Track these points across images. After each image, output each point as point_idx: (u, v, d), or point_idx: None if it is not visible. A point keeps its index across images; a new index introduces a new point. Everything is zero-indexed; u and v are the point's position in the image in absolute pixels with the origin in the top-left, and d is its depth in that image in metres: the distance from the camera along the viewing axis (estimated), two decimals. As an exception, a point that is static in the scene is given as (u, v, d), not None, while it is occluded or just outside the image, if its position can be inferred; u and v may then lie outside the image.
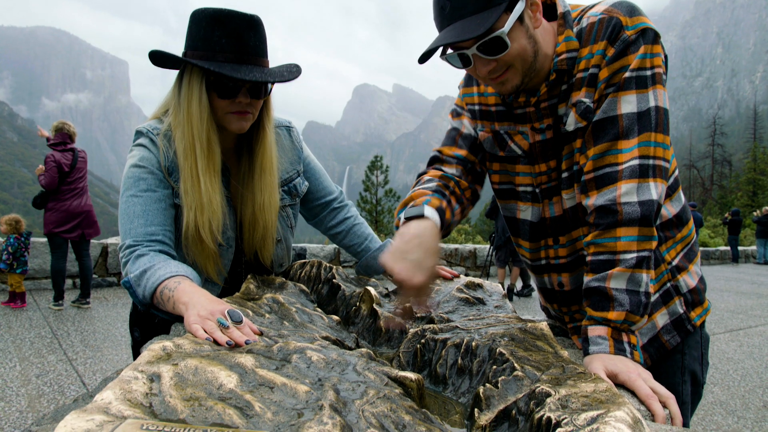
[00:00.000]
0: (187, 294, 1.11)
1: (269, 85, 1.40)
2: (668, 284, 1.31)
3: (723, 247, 19.89)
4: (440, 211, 1.25)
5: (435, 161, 1.48)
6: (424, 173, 1.46)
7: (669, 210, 1.31)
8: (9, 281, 6.13)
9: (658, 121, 1.13)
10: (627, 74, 1.12)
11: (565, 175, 1.27)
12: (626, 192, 1.10)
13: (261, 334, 0.99)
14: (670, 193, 1.31)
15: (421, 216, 1.20)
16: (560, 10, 1.24)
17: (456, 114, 1.48)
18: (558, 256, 1.37)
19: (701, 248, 18.78)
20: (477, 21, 1.08)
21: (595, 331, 1.10)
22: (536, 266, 1.45)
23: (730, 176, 61.23)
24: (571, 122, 1.21)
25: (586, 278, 1.14)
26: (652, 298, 1.13)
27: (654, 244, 1.12)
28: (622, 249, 1.10)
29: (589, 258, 1.15)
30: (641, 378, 0.98)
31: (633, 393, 0.97)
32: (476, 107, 1.42)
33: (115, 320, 5.84)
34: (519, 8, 1.11)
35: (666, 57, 1.18)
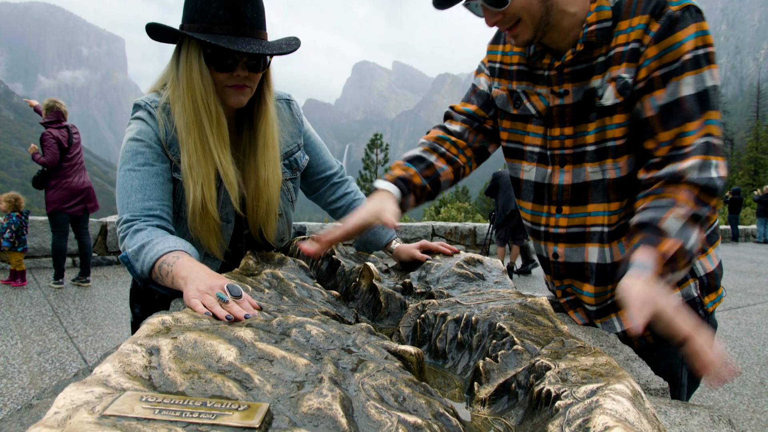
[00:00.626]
0: (186, 268, 1.10)
1: (268, 58, 1.37)
2: None
3: (723, 226, 19.93)
4: (401, 180, 1.39)
5: (446, 117, 1.57)
6: (427, 132, 1.56)
7: None
8: (10, 259, 6.15)
9: (714, 100, 1.12)
10: (686, 56, 1.10)
11: (591, 148, 1.26)
12: (690, 166, 1.08)
13: (260, 309, 0.98)
14: None
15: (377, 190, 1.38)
16: None
17: (478, 71, 1.53)
18: (558, 225, 1.37)
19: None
20: None
21: (640, 256, 1.02)
22: (535, 231, 1.45)
23: (732, 155, 61.04)
24: (609, 96, 1.20)
25: (637, 218, 1.09)
26: (695, 260, 1.11)
27: (713, 217, 1.12)
28: (681, 200, 1.07)
29: (644, 205, 1.11)
30: (683, 314, 0.91)
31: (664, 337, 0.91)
32: (497, 65, 1.45)
33: (116, 298, 5.88)
34: None
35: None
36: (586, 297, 1.37)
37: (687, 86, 1.11)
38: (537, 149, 1.37)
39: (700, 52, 1.11)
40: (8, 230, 6.00)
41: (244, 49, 1.24)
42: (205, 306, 0.95)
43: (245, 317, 0.92)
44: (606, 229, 1.29)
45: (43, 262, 7.42)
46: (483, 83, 1.49)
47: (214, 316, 0.92)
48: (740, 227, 19.59)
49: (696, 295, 1.30)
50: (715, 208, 1.09)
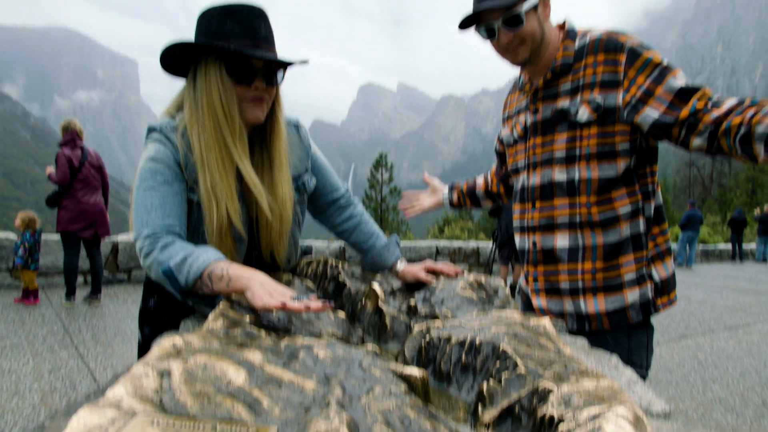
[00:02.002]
0: (247, 271, 1.14)
1: (282, 72, 1.42)
2: (644, 270, 1.60)
3: (722, 245, 19.83)
4: (452, 187, 2.29)
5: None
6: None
7: (650, 207, 1.60)
8: (23, 278, 6.18)
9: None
10: (663, 63, 1.43)
11: (561, 154, 1.59)
12: (729, 103, 1.33)
13: (332, 307, 1.06)
14: (652, 193, 1.61)
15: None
16: (567, 26, 1.64)
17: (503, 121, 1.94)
18: (533, 218, 1.70)
19: (701, 246, 18.72)
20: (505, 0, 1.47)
21: None
22: (520, 227, 1.78)
23: (730, 174, 61.06)
24: (584, 115, 1.53)
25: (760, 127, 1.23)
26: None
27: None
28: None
29: (754, 109, 1.25)
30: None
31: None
32: (506, 113, 1.89)
33: (125, 316, 5.90)
34: (534, 1, 1.50)
35: None
36: (561, 276, 1.65)
37: (681, 79, 1.42)
38: (522, 161, 1.74)
39: (666, 62, 1.44)
40: (22, 248, 6.04)
41: (265, 57, 1.30)
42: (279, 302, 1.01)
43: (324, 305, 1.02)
44: (578, 219, 1.59)
45: (55, 280, 7.44)
46: (502, 132, 1.90)
47: (285, 308, 1.00)
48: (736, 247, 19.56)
49: (651, 296, 1.60)
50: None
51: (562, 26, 1.65)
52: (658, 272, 1.62)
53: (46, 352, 4.46)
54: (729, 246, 19.27)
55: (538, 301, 1.73)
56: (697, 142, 1.37)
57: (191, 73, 1.39)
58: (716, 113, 1.32)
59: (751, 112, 1.24)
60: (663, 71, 1.42)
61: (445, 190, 2.28)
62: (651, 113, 1.43)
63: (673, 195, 59.83)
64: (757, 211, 19.06)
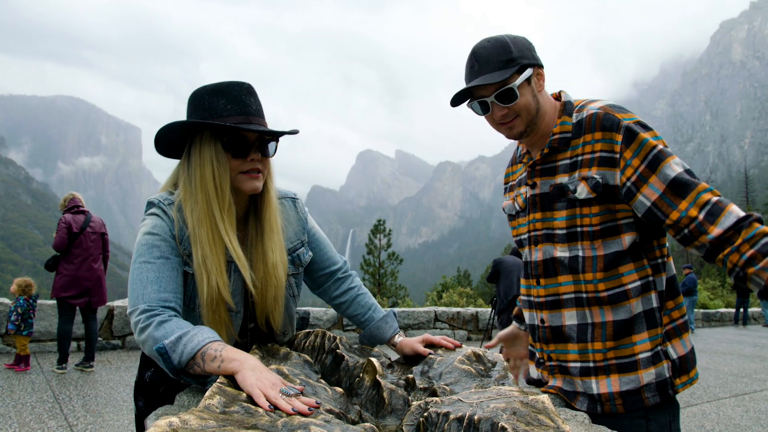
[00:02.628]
0: (240, 354, 1.17)
1: (276, 144, 1.49)
2: (659, 347, 1.49)
3: (723, 309, 19.65)
4: (520, 316, 1.95)
5: None
6: None
7: (662, 281, 1.53)
8: (16, 343, 6.09)
9: (694, 173, 1.41)
10: (659, 148, 1.40)
11: (561, 231, 1.54)
12: (735, 210, 1.32)
13: (318, 406, 1.05)
14: (662, 266, 1.54)
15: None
16: (563, 99, 1.62)
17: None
18: (538, 296, 1.63)
19: (701, 310, 18.54)
20: (497, 75, 1.46)
21: None
22: (525, 301, 1.72)
23: (728, 238, 61.22)
24: (582, 192, 1.48)
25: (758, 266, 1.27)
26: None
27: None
28: None
29: (751, 252, 1.27)
30: None
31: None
32: (508, 184, 1.85)
33: (118, 384, 5.75)
34: (527, 73, 1.49)
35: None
36: (571, 355, 1.55)
37: (677, 166, 1.39)
38: (524, 235, 1.68)
39: (663, 147, 1.41)
40: (14, 313, 5.99)
41: (260, 129, 1.38)
42: (269, 400, 1.02)
43: (309, 409, 1.01)
44: (584, 296, 1.52)
45: (48, 346, 7.31)
46: (504, 203, 1.85)
47: (276, 408, 1.01)
48: (741, 310, 19.36)
49: (668, 375, 1.48)
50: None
51: (557, 97, 1.63)
52: (675, 349, 1.52)
53: (34, 422, 4.32)
54: (730, 310, 19.09)
55: (554, 381, 1.62)
56: (693, 251, 1.40)
57: (186, 152, 1.47)
58: (713, 234, 1.32)
59: (747, 252, 1.27)
60: (658, 156, 1.38)
61: (518, 329, 1.95)
62: (644, 201, 1.40)
63: (672, 259, 59.68)
64: None
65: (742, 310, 18.37)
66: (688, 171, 1.39)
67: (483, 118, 1.60)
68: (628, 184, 1.41)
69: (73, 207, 6.25)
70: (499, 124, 1.56)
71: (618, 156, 1.43)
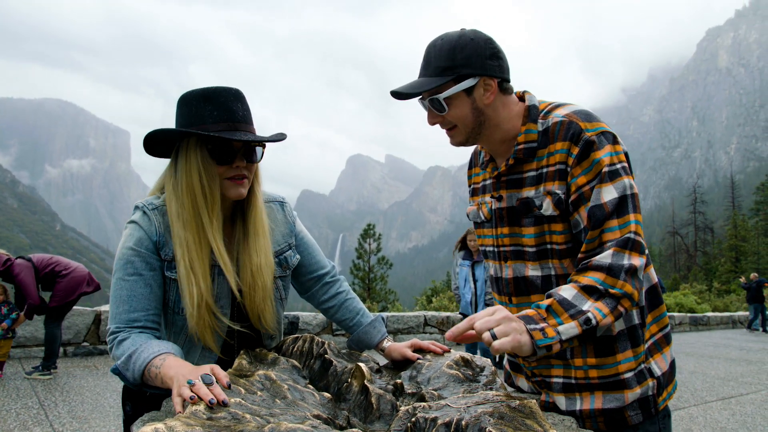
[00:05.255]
0: (172, 368, 1.20)
1: (261, 150, 1.50)
2: (642, 365, 1.42)
3: (710, 313, 19.86)
4: None
5: None
6: None
7: (642, 294, 1.41)
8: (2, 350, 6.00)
9: (634, 203, 1.32)
10: (605, 169, 1.31)
11: (532, 249, 1.45)
12: (604, 256, 1.28)
13: (225, 404, 1.05)
14: (644, 277, 1.44)
15: None
16: (527, 103, 1.48)
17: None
18: (513, 314, 1.51)
19: (688, 314, 18.71)
20: (427, 82, 1.36)
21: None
22: None
23: (713, 243, 62.35)
24: (548, 208, 1.39)
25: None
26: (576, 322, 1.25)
27: (626, 305, 1.28)
28: (581, 280, 1.28)
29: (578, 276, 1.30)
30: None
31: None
32: (471, 186, 1.74)
33: (105, 390, 5.68)
34: (467, 83, 1.36)
35: (626, 153, 1.38)
36: (554, 370, 1.47)
37: (608, 193, 1.30)
38: (491, 248, 1.59)
39: (617, 166, 1.32)
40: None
41: (243, 138, 1.38)
42: (180, 395, 1.08)
43: (210, 402, 1.03)
44: None
45: (33, 351, 7.21)
46: (468, 208, 1.74)
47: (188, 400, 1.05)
48: (727, 314, 19.61)
49: (651, 394, 1.41)
50: (626, 292, 1.25)
51: (521, 96, 1.50)
52: (659, 365, 1.45)
53: (19, 428, 4.25)
54: (717, 314, 19.25)
55: (546, 397, 1.53)
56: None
57: (173, 156, 1.48)
58: (588, 261, 1.31)
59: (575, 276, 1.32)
60: (600, 180, 1.31)
61: None
62: (579, 222, 1.36)
63: (659, 263, 60.39)
64: (742, 279, 19.20)
65: (760, 316, 18.06)
66: (622, 198, 1.30)
67: None
68: (569, 200, 1.36)
69: (7, 260, 5.88)
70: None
71: (569, 170, 1.35)
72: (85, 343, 7.64)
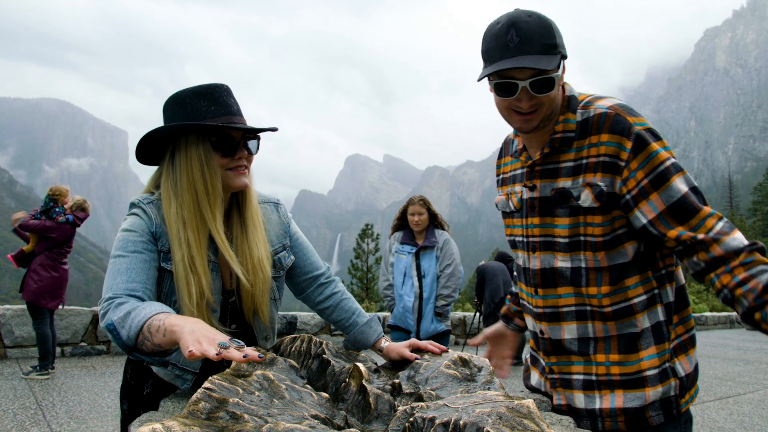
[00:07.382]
0: (181, 319, 1.12)
1: (258, 142, 1.53)
2: (667, 364, 1.40)
3: (708, 313, 19.91)
4: (507, 315, 1.88)
5: None
6: None
7: (668, 292, 1.44)
8: None
9: (702, 194, 1.34)
10: (667, 163, 1.31)
11: (563, 240, 1.42)
12: (739, 238, 1.27)
13: (261, 360, 1.05)
14: (667, 277, 1.44)
15: None
16: (566, 93, 1.45)
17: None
18: (537, 306, 1.53)
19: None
20: (545, 60, 1.29)
21: None
22: (528, 309, 1.61)
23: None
24: (586, 199, 1.37)
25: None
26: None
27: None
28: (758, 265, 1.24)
29: (743, 276, 1.24)
30: None
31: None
32: (500, 176, 1.72)
33: (103, 390, 5.67)
34: (564, 63, 1.35)
35: None
36: (575, 367, 1.47)
37: (682, 184, 1.30)
38: (519, 238, 1.57)
39: (674, 160, 1.32)
40: None
41: (246, 128, 1.43)
42: (201, 351, 0.98)
43: (244, 357, 1.00)
44: (588, 309, 1.43)
45: (31, 351, 7.20)
46: (497, 198, 1.73)
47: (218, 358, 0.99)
48: (724, 314, 19.60)
49: (673, 394, 1.40)
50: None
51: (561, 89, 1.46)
52: (683, 366, 1.43)
53: (16, 429, 4.25)
54: (715, 314, 19.28)
55: (558, 398, 1.52)
56: (687, 263, 1.34)
57: (169, 155, 1.48)
58: (714, 253, 1.27)
59: (739, 275, 1.24)
60: (664, 173, 1.30)
61: (505, 328, 1.86)
62: (640, 217, 1.33)
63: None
64: None
65: None
66: (694, 189, 1.31)
67: (494, 102, 1.43)
68: (628, 196, 1.33)
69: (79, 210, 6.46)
70: (516, 113, 1.39)
71: (623, 164, 1.32)
72: (82, 344, 7.64)
